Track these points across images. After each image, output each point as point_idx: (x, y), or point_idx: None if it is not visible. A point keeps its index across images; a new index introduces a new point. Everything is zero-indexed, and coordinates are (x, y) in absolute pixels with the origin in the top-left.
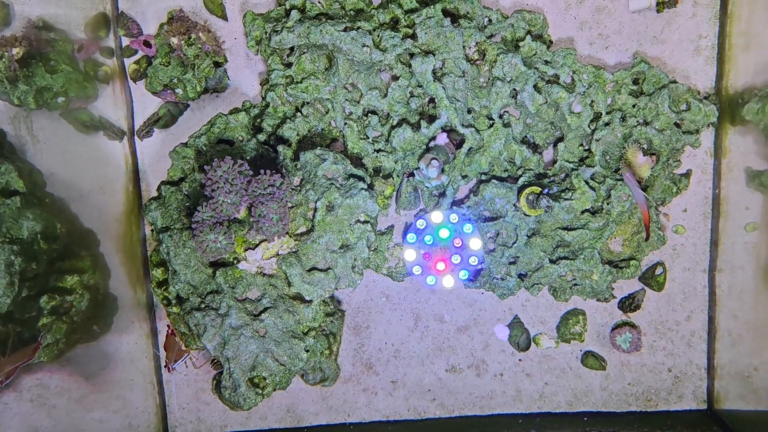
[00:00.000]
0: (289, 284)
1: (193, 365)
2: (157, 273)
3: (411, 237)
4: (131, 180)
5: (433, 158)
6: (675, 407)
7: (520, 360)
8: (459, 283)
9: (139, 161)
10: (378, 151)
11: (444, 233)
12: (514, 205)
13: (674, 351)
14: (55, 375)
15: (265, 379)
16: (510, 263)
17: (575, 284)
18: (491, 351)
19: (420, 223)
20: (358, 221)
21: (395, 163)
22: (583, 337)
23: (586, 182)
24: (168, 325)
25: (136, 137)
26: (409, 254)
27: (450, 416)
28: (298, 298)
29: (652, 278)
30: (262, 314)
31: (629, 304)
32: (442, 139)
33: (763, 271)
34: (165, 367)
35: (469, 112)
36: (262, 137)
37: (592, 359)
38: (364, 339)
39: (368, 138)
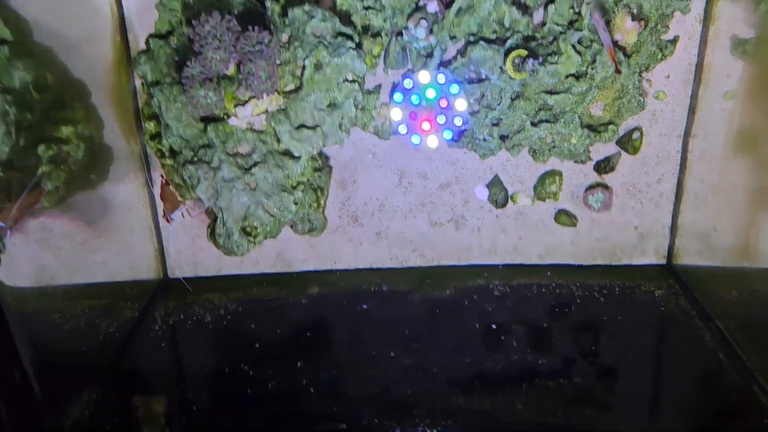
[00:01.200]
0: (279, 140)
1: (189, 214)
2: (150, 126)
3: (398, 96)
4: (118, 30)
5: (422, 18)
6: (637, 261)
7: (497, 216)
8: (443, 143)
9: (125, 11)
10: (367, 8)
11: (431, 93)
12: (500, 68)
13: (642, 210)
14: (57, 220)
15: (256, 228)
16: (493, 125)
17: (554, 146)
18: (470, 207)
19: (407, 83)
20: (346, 80)
21: (384, 21)
22: (558, 196)
23: (573, 46)
24: (162, 176)
25: None
26: (396, 113)
27: (429, 265)
28: (287, 153)
29: (628, 142)
30: (253, 168)
31: (604, 166)
32: (433, 7)
33: (733, 138)
34: (163, 217)
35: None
36: None
37: (564, 217)
38: (351, 193)
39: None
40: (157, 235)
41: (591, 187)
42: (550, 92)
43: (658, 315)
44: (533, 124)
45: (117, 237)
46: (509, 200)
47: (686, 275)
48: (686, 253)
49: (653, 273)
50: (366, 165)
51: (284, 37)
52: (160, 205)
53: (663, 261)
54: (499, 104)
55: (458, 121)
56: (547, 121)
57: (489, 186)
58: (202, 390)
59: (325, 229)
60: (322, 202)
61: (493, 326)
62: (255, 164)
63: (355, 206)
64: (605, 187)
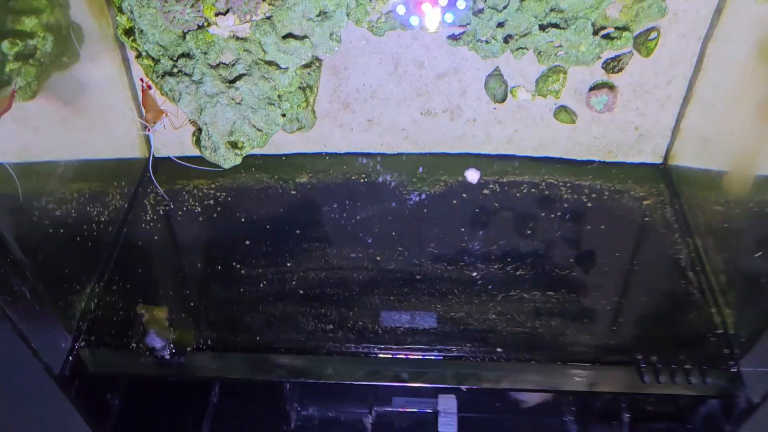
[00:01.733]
0: (264, 51)
1: (172, 126)
2: (122, 20)
3: None
4: None
5: None
6: (633, 160)
7: (494, 108)
8: (443, 27)
9: None
10: None
11: None
12: None
13: (646, 111)
14: (32, 100)
15: (243, 142)
16: (497, 25)
17: (561, 52)
18: (467, 98)
19: None
20: None
21: None
22: (560, 94)
23: None
24: (141, 79)
25: None
26: None
27: (421, 152)
28: (274, 64)
29: (643, 44)
30: (237, 81)
31: (613, 66)
32: None
33: (757, 45)
34: (145, 128)
35: None
36: None
37: (564, 114)
38: (342, 79)
39: None
40: (139, 115)
41: (595, 87)
42: None
43: (641, 226)
44: (541, 28)
45: (97, 117)
46: (509, 94)
47: (679, 178)
48: (683, 155)
49: (647, 174)
50: (359, 51)
51: None
52: (141, 93)
53: (659, 161)
54: (506, 6)
55: (461, 4)
56: (556, 25)
57: (488, 78)
58: (198, 280)
59: (314, 125)
60: (311, 100)
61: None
62: (240, 77)
63: (346, 93)
64: (610, 87)
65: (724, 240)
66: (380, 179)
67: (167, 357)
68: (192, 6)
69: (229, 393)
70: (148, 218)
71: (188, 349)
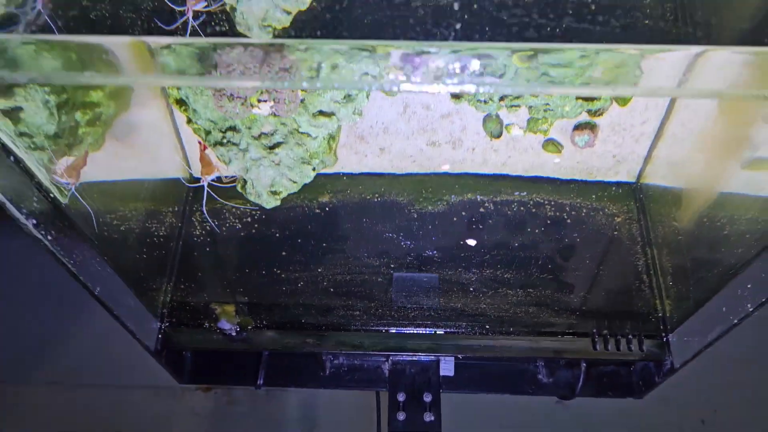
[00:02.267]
0: (298, 125)
1: (222, 181)
2: (173, 91)
3: None
4: None
5: None
6: (610, 179)
7: (490, 140)
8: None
9: None
10: None
11: None
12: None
13: (622, 144)
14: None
15: (281, 191)
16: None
17: (548, 109)
18: (468, 132)
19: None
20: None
21: None
22: (548, 132)
23: None
24: (199, 142)
25: None
26: None
27: (426, 173)
28: (306, 134)
29: (620, 97)
30: (276, 148)
31: (595, 111)
32: None
33: (719, 100)
34: (202, 178)
35: None
36: None
37: (551, 146)
38: (358, 119)
39: None
40: (181, 147)
41: (579, 127)
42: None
43: (609, 239)
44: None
45: (144, 150)
46: (503, 131)
47: (648, 195)
48: (653, 175)
49: (621, 193)
50: (373, 97)
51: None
52: (184, 131)
53: (633, 180)
54: (502, 74)
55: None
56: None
57: (486, 118)
58: (246, 281)
59: (336, 163)
60: (333, 146)
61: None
62: (278, 144)
63: (361, 129)
64: (592, 128)
65: (677, 249)
66: (391, 198)
67: (234, 334)
68: (242, 104)
69: (277, 354)
70: (197, 233)
71: (248, 327)
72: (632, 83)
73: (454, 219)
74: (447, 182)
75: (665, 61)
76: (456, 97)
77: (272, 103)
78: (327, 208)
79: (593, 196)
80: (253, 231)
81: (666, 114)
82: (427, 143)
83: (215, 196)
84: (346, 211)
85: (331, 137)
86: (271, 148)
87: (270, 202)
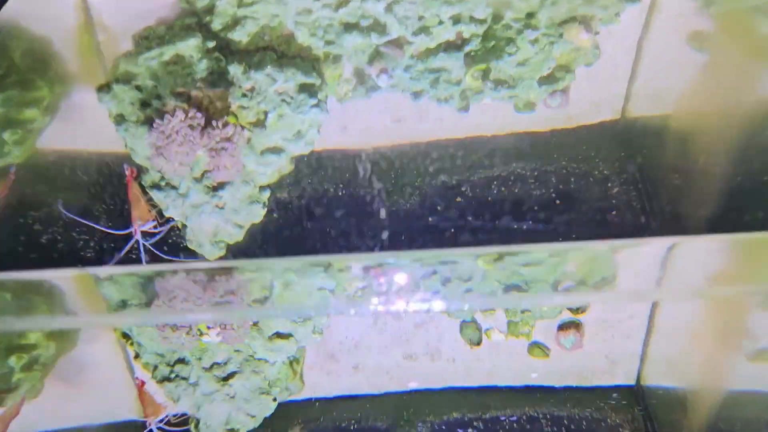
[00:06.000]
0: (253, 350)
1: (170, 423)
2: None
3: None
4: None
5: (383, 69)
6: (606, 383)
7: (471, 348)
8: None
9: None
10: (328, 43)
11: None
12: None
13: (613, 342)
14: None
15: (238, 430)
16: (465, 292)
17: (526, 310)
18: (445, 341)
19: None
20: (319, 289)
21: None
22: (531, 335)
23: None
24: (136, 378)
25: None
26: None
27: (405, 390)
28: (263, 359)
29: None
30: (230, 380)
31: (577, 308)
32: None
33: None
34: (146, 420)
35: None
36: (211, 44)
37: (537, 349)
38: (326, 335)
39: (318, 35)
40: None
41: (563, 327)
42: (523, 264)
43: None
44: (506, 291)
45: (94, 391)
46: (483, 336)
47: (651, 398)
48: (653, 375)
49: (621, 397)
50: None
51: (247, 86)
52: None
53: (632, 382)
54: (470, 278)
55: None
56: (519, 287)
57: (462, 324)
58: None
59: (302, 389)
60: (298, 371)
61: None
62: (232, 375)
63: (331, 345)
64: (577, 327)
65: None
66: (369, 424)
67: None
68: (187, 333)
69: None
70: None
71: None
72: (609, 274)
73: None
74: (429, 399)
75: (639, 255)
76: (427, 312)
77: (218, 329)
78: None
79: (592, 406)
80: None
81: (652, 308)
82: (403, 356)
83: None
84: None
85: (295, 360)
86: (225, 379)
87: None
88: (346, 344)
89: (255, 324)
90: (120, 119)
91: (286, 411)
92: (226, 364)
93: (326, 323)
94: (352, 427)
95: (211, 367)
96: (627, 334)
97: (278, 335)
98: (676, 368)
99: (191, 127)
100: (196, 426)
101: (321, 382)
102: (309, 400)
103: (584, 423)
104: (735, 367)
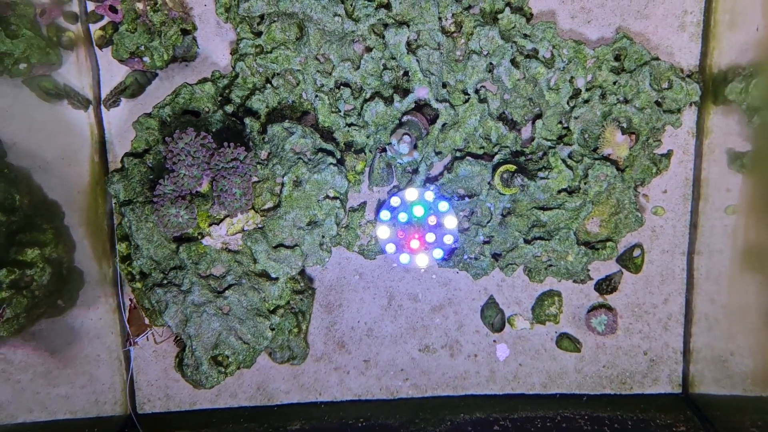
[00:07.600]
0: (255, 261)
1: (154, 341)
2: (122, 247)
3: (385, 214)
4: (97, 151)
5: (405, 134)
6: (649, 390)
7: (494, 341)
8: (433, 262)
9: (106, 132)
10: (350, 125)
11: (419, 211)
12: (489, 183)
13: (650, 334)
14: (19, 350)
15: (228, 357)
16: (484, 242)
17: (550, 265)
18: (465, 331)
19: (394, 201)
20: (327, 197)
21: (367, 138)
22: (558, 318)
23: (564, 161)
24: (131, 299)
25: (102, 107)
26: (383, 231)
27: (423, 396)
28: (264, 275)
29: (629, 260)
30: (226, 291)
31: (606, 286)
32: (415, 116)
33: (740, 255)
34: (126, 341)
35: (444, 86)
36: (229, 109)
37: (567, 341)
38: (336, 317)
39: (340, 111)
40: (126, 365)
41: (593, 309)
42: (543, 208)
43: None
44: (527, 242)
45: (83, 368)
46: (506, 323)
47: (706, 406)
48: (703, 381)
49: (669, 403)
50: (353, 287)
51: (263, 154)
52: (129, 331)
53: (678, 390)
54: (489, 221)
55: (448, 239)
56: (541, 238)
57: (484, 307)
58: None
59: (306, 357)
60: (303, 327)
61: None
62: (229, 286)
63: (341, 331)
64: (608, 308)
65: None
66: (380, 428)
67: None
68: (186, 208)
69: None
70: None
71: None
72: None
73: None
74: (448, 405)
75: None
76: (445, 260)
77: (225, 225)
78: None
79: (636, 410)
80: None
81: (688, 286)
82: (419, 348)
83: None
84: None
85: (301, 312)
86: (220, 292)
87: (211, 378)
88: (358, 331)
89: (260, 228)
90: (126, 203)
91: (286, 412)
92: (223, 277)
93: (333, 232)
94: (360, 424)
95: (208, 276)
96: (664, 324)
97: (283, 246)
98: (727, 368)
99: (203, 146)
100: (180, 362)
101: (329, 381)
102: (315, 403)
103: (629, 423)
104: None
